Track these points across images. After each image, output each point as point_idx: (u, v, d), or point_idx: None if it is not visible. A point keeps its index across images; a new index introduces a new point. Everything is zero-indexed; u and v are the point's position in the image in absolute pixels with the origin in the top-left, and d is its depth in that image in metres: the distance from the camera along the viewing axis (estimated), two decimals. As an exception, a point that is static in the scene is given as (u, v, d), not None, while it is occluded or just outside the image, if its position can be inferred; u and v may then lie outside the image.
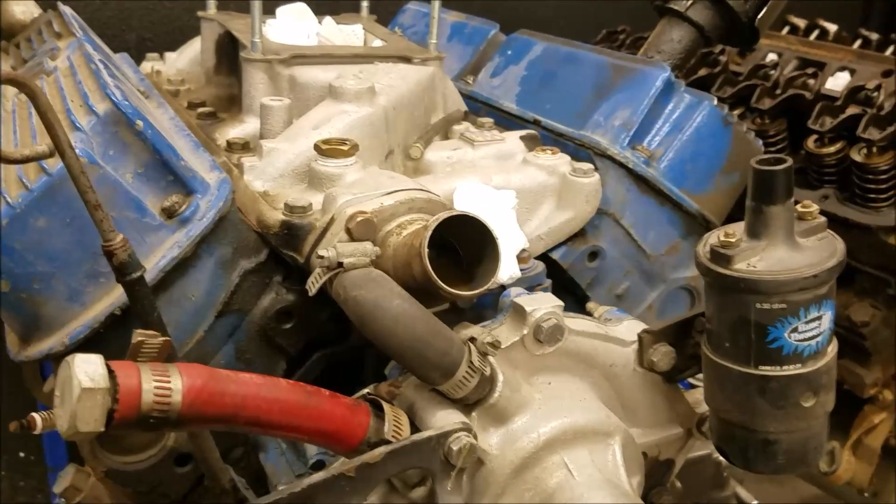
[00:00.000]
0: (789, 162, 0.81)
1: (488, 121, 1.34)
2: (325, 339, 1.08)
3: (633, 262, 1.26)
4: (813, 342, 0.84)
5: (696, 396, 1.07)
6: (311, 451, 1.00)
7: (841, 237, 1.53)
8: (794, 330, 0.82)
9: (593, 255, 1.23)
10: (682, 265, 1.29)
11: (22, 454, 2.53)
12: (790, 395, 0.85)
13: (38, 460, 2.49)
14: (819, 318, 0.83)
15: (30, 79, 0.76)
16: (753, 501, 1.27)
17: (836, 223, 1.46)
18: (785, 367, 0.84)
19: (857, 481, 1.67)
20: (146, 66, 1.62)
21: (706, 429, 1.05)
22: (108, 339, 0.91)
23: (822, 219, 0.86)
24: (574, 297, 1.24)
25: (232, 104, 1.42)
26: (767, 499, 1.59)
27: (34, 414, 0.99)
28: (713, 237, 0.86)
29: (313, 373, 1.08)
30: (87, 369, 0.67)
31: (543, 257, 1.19)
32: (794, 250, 0.83)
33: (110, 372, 0.69)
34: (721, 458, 1.23)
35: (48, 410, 1.01)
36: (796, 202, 0.85)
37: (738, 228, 0.86)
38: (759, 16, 1.36)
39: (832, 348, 0.87)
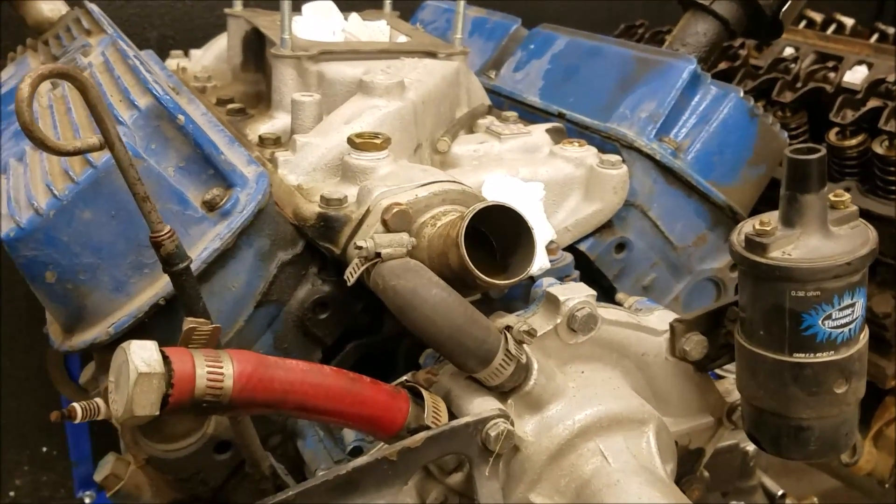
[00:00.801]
0: (823, 151, 0.82)
1: (512, 114, 1.35)
2: (360, 330, 1.10)
3: (660, 254, 1.27)
4: (846, 329, 0.85)
5: (727, 386, 1.08)
6: (349, 437, 1.02)
7: (864, 229, 1.53)
8: (828, 317, 0.84)
9: (620, 246, 1.24)
10: (708, 257, 1.30)
11: (45, 449, 2.56)
12: (823, 381, 0.86)
13: (61, 455, 2.52)
14: (852, 305, 0.84)
15: (79, 71, 0.77)
16: (780, 491, 1.29)
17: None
18: (819, 354, 0.85)
19: (878, 472, 1.67)
20: (171, 63, 1.64)
21: (736, 418, 1.06)
22: (151, 328, 0.92)
23: (854, 207, 0.87)
24: (601, 289, 1.25)
25: (259, 101, 1.44)
26: (787, 491, 1.59)
27: (75, 404, 1.02)
28: (748, 226, 0.88)
29: (348, 362, 1.09)
30: (143, 355, 0.69)
31: (571, 249, 1.21)
32: (827, 238, 0.84)
33: (165, 358, 0.71)
34: (748, 447, 1.25)
35: (87, 400, 1.03)
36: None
37: (773, 217, 0.87)
38: (783, 9, 1.37)
39: (864, 335, 0.88)
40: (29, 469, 2.60)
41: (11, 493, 2.51)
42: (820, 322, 0.84)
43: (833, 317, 0.84)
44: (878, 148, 1.48)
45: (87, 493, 2.26)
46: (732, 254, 0.88)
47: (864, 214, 1.49)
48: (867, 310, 1.53)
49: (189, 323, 0.76)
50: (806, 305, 0.83)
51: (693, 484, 1.08)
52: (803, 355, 0.85)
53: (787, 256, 0.83)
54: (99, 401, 1.03)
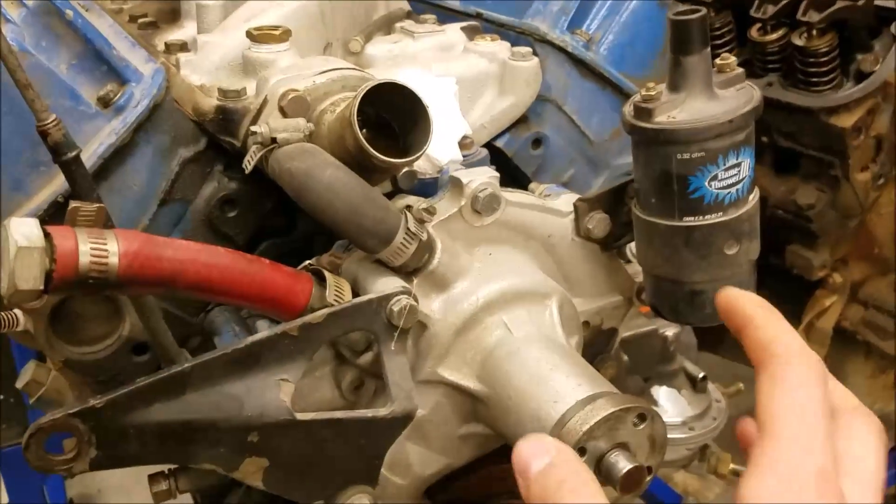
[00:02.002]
0: (703, 11, 0.83)
1: (430, 17, 1.34)
2: (273, 230, 1.10)
3: (578, 149, 1.28)
4: (733, 190, 0.87)
5: (636, 268, 1.11)
6: (263, 330, 1.03)
7: (785, 122, 1.56)
8: (714, 178, 0.86)
9: (537, 142, 1.25)
10: (626, 151, 1.30)
11: (1, 397, 2.57)
12: (713, 243, 0.88)
13: (17, 402, 2.53)
14: (738, 165, 0.86)
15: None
16: (700, 373, 1.33)
17: (780, 108, 1.49)
18: (707, 217, 0.87)
19: (811, 364, 1.73)
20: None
21: (645, 297, 1.09)
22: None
23: (740, 70, 0.89)
24: (520, 187, 1.26)
25: (175, 17, 1.42)
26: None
27: (-8, 312, 1.02)
28: (636, 95, 0.89)
29: (263, 262, 1.10)
30: (23, 230, 0.70)
31: (488, 147, 1.22)
32: (712, 100, 0.86)
33: (46, 235, 0.71)
34: (667, 332, 1.29)
35: (5, 312, 1.03)
36: (715, 56, 0.88)
37: (661, 85, 0.88)
38: None
39: (753, 197, 0.90)
40: (-13, 418, 2.60)
41: (-30, 443, 2.51)
42: (706, 183, 0.86)
43: (719, 177, 0.86)
44: (798, 40, 1.49)
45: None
46: (623, 124, 0.89)
47: (786, 107, 1.53)
48: (792, 203, 1.58)
49: (73, 204, 0.76)
50: (691, 168, 0.85)
51: (607, 362, 1.11)
52: (692, 218, 0.87)
53: (672, 119, 0.85)
54: (17, 311, 1.03)
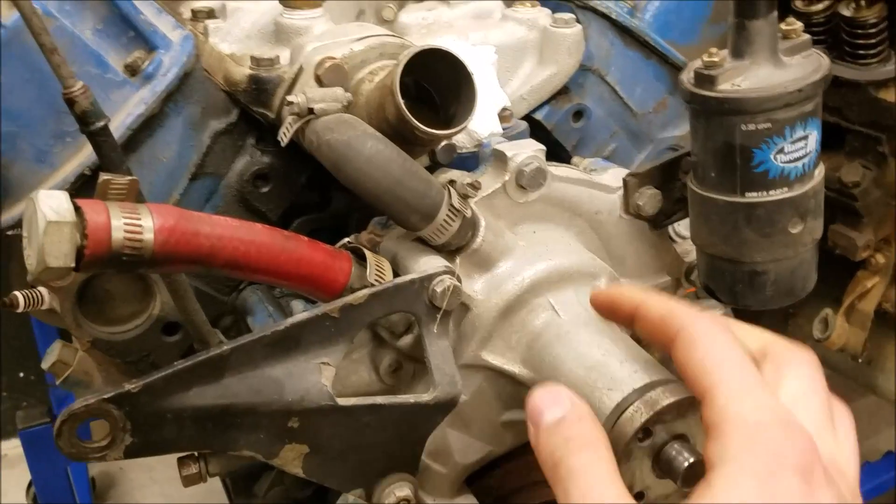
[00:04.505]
0: (773, -28, 0.78)
1: (465, -17, 1.29)
2: (306, 206, 1.06)
3: (620, 122, 1.23)
4: (799, 164, 0.82)
5: (685, 247, 1.06)
6: (298, 310, 1.00)
7: (830, 96, 1.49)
8: (781, 151, 0.80)
9: (578, 114, 1.20)
10: (670, 124, 1.26)
11: (21, 374, 2.55)
12: (777, 221, 0.83)
13: (39, 380, 2.52)
14: (805, 137, 0.81)
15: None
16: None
17: (826, 82, 1.43)
18: (771, 192, 0.82)
19: (851, 347, 1.67)
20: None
21: (694, 277, 1.04)
22: (79, 201, 0.88)
23: (807, 36, 0.83)
24: (560, 161, 1.22)
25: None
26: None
27: (16, 292, 0.98)
28: (697, 62, 0.83)
29: (296, 239, 1.06)
30: (52, 203, 0.65)
31: (527, 119, 1.17)
32: (778, 68, 0.80)
33: (77, 209, 0.67)
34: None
35: (29, 289, 0.99)
36: (780, 20, 0.82)
37: (724, 51, 0.83)
38: None
39: (819, 172, 0.85)
40: (8, 395, 2.59)
41: (-7, 420, 2.51)
42: (772, 157, 0.81)
43: (785, 150, 0.80)
44: (845, 10, 1.42)
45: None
46: (682, 92, 0.84)
47: (833, 81, 1.46)
48: (836, 181, 1.52)
49: (104, 176, 0.72)
50: (757, 140, 0.80)
51: (651, 347, 1.06)
52: (756, 194, 0.82)
53: (737, 88, 0.80)
54: (42, 289, 0.99)
